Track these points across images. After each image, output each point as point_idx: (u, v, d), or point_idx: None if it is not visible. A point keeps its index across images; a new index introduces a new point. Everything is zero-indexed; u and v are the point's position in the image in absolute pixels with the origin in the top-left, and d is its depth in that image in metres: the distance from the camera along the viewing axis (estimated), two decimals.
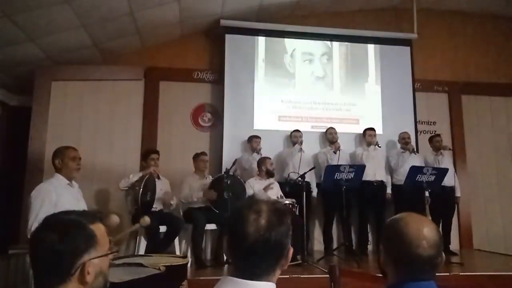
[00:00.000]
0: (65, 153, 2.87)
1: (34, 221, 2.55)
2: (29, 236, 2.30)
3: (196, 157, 4.58)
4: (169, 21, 5.06)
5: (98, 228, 1.03)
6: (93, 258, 0.99)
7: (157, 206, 4.21)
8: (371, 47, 5.87)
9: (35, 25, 4.23)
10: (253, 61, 5.54)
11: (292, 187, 4.63)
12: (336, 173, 4.33)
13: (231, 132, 5.27)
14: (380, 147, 5.03)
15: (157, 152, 4.41)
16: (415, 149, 5.21)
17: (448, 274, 3.56)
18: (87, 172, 3.23)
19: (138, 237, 4.09)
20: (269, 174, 4.60)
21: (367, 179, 4.77)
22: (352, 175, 4.34)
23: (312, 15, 5.81)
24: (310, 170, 4.64)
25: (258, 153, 4.87)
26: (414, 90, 5.80)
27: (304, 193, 4.23)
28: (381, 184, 5.01)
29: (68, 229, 0.98)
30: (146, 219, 2.62)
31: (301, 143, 4.92)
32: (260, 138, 5.05)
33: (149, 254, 2.85)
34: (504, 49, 6.23)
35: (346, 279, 2.57)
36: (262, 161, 4.65)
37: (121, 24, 4.73)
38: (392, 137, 5.49)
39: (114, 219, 2.48)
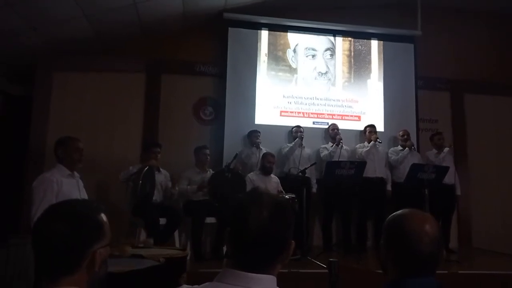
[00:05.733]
0: (68, 143, 2.86)
1: (37, 211, 2.56)
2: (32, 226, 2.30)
3: (197, 150, 4.58)
4: (172, 13, 5.03)
5: (103, 217, 1.04)
6: (102, 247, 1.00)
7: (157, 198, 4.22)
8: (374, 43, 5.84)
9: (37, 14, 4.21)
10: (255, 55, 5.51)
11: (292, 182, 4.62)
12: (337, 169, 4.32)
13: (232, 126, 5.26)
14: (380, 142, 5.04)
15: (159, 146, 4.40)
16: (414, 147, 5.21)
17: (446, 272, 3.56)
18: (87, 163, 3.21)
19: (138, 229, 4.10)
20: (265, 171, 4.59)
21: (368, 175, 4.76)
22: (352, 171, 4.32)
23: (316, 9, 5.76)
24: (311, 165, 4.64)
25: (257, 147, 4.88)
26: (416, 88, 5.79)
27: (304, 188, 4.23)
28: (381, 181, 5.01)
29: (78, 218, 0.98)
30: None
31: (301, 138, 4.92)
32: (259, 132, 5.04)
33: (148, 246, 2.85)
34: (508, 48, 6.18)
35: (345, 274, 2.57)
36: (262, 156, 4.66)
37: (123, 15, 4.70)
38: (394, 134, 5.49)
39: (128, 250, 2.32)
